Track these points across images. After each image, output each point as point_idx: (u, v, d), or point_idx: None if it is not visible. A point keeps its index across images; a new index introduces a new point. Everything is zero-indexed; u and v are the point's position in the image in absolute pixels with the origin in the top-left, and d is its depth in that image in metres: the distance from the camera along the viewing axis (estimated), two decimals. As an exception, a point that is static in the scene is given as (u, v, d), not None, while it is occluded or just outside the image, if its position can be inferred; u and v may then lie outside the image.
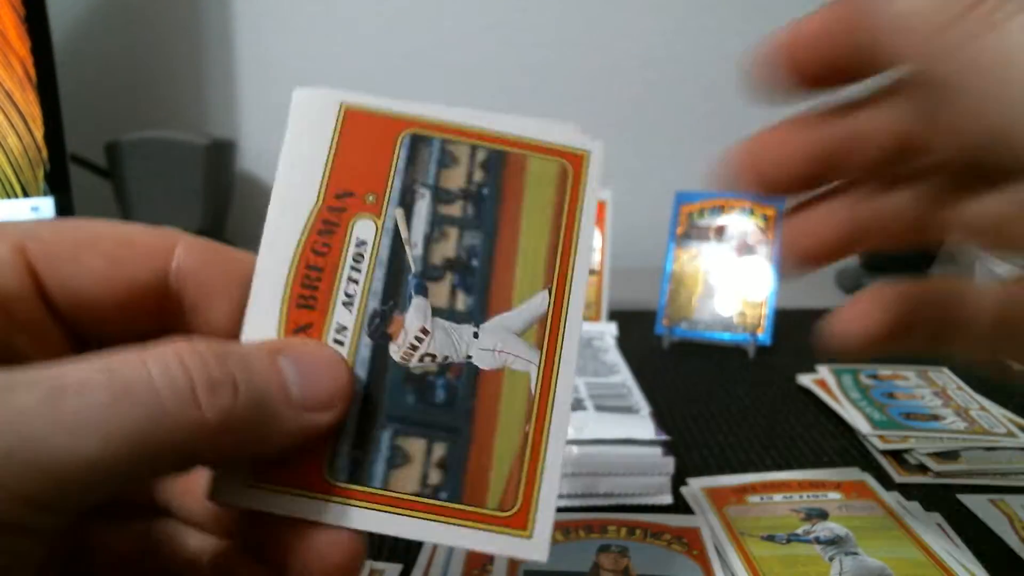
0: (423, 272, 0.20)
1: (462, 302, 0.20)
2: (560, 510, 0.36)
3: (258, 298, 0.19)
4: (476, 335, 0.19)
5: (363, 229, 0.20)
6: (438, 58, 0.89)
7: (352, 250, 0.19)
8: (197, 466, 0.17)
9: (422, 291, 0.19)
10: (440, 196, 0.20)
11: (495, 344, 0.19)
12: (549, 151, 0.21)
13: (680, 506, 0.37)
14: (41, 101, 0.68)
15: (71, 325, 0.18)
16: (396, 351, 0.19)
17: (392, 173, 0.20)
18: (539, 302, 0.19)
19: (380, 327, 0.19)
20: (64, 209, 0.70)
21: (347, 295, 0.19)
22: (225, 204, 0.84)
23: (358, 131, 0.21)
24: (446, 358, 0.19)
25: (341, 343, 0.19)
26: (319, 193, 0.20)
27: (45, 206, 0.69)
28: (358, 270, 0.19)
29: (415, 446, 0.18)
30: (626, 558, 0.32)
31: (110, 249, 0.18)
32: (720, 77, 0.91)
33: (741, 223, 0.63)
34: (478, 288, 0.20)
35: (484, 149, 0.21)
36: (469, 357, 0.19)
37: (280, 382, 0.16)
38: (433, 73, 0.90)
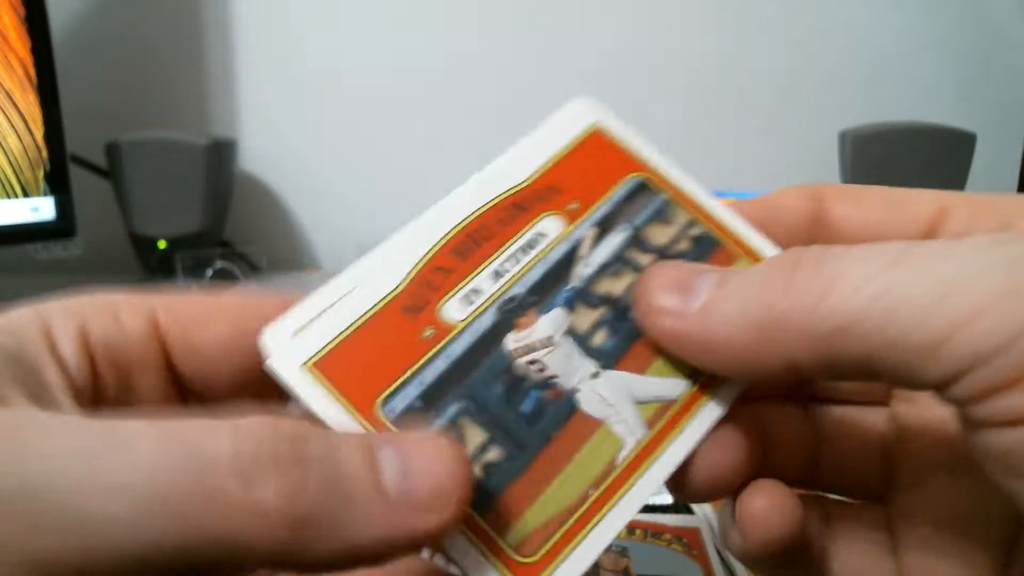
0: (581, 292, 0.19)
1: (601, 339, 0.18)
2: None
3: (412, 232, 0.19)
4: (596, 375, 0.18)
5: (549, 226, 0.19)
6: (437, 57, 0.89)
7: (528, 237, 0.19)
8: (263, 565, 0.13)
9: (570, 305, 0.19)
10: (637, 242, 0.20)
11: (609, 394, 0.18)
12: (759, 260, 0.20)
13: (680, 506, 0.37)
14: (41, 101, 0.68)
15: (195, 395, 0.18)
16: (512, 342, 0.18)
17: (605, 199, 0.20)
18: (672, 386, 0.18)
19: (513, 309, 0.18)
20: (64, 209, 0.70)
21: (501, 268, 0.19)
22: (225, 204, 0.84)
23: (597, 151, 0.21)
24: (553, 377, 0.18)
25: (469, 303, 0.18)
26: (530, 177, 0.20)
27: (45, 206, 0.69)
28: (523, 256, 0.19)
29: (474, 435, 0.17)
30: (626, 558, 0.32)
31: (236, 315, 0.18)
32: (720, 77, 0.91)
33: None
34: (623, 336, 0.19)
35: (701, 227, 0.20)
36: (576, 391, 0.18)
37: (371, 469, 0.13)
38: (432, 72, 0.90)
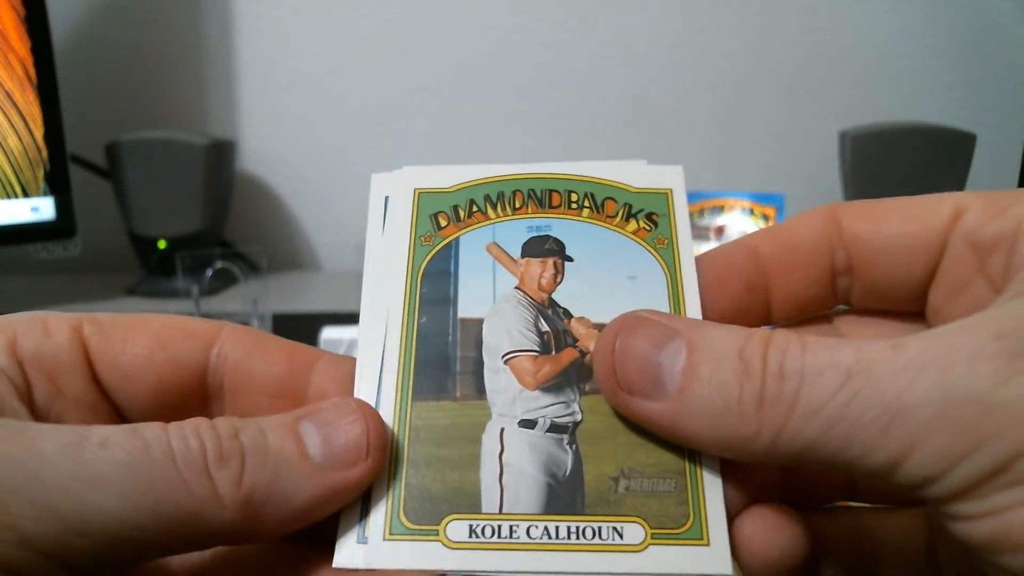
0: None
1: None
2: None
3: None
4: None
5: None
6: (438, 58, 0.89)
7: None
8: (225, 540, 0.16)
9: None
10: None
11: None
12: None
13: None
14: (41, 101, 0.68)
15: (119, 403, 0.19)
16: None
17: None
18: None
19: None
20: (64, 209, 0.70)
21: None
22: (225, 204, 0.84)
23: None
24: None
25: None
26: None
27: (45, 206, 0.69)
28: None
29: None
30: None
31: (157, 330, 0.19)
32: (720, 77, 0.91)
33: (741, 223, 0.63)
34: None
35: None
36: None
37: (296, 444, 0.16)
38: (433, 73, 0.90)
